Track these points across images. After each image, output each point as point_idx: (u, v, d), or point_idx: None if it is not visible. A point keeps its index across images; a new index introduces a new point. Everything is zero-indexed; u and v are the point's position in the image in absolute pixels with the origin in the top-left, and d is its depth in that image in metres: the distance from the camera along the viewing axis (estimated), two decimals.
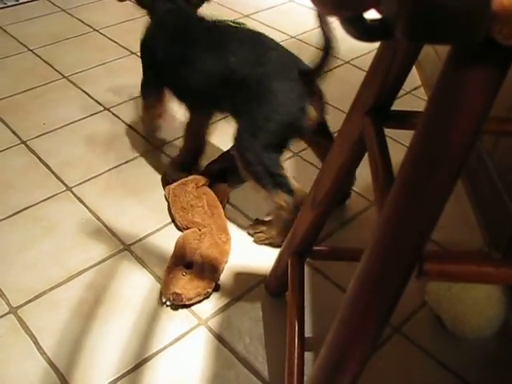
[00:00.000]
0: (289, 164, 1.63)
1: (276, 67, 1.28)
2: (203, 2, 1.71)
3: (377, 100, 0.81)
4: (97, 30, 2.34)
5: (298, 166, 1.63)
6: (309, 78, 1.24)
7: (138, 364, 1.13)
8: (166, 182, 1.52)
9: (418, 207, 0.57)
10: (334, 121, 1.80)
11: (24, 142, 1.71)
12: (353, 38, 0.47)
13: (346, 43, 2.07)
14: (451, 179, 0.53)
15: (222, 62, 1.30)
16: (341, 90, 1.97)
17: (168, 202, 1.47)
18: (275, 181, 1.26)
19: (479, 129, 0.50)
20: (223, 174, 1.54)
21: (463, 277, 0.61)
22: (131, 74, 2.05)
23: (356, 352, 0.66)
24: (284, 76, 1.26)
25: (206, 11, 1.61)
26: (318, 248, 1.12)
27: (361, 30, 0.46)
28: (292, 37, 2.33)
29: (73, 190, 1.54)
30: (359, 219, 1.47)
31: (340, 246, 1.35)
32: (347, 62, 2.16)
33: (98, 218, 1.45)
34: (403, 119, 0.84)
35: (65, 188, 1.55)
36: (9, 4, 2.56)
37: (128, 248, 1.37)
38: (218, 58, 1.32)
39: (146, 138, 1.73)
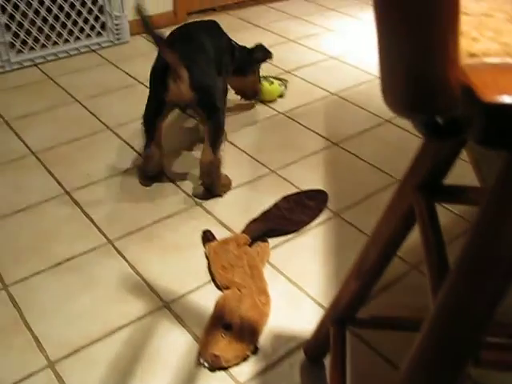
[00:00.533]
0: (329, 224, 1.63)
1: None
2: (264, 60, 2.06)
3: (429, 175, 0.80)
4: (141, 83, 2.40)
5: (340, 227, 1.62)
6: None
7: None
8: (206, 239, 1.53)
9: (478, 296, 0.56)
10: (373, 180, 1.80)
11: (68, 193, 1.74)
12: (422, 135, 0.47)
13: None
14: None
15: None
16: (380, 150, 1.97)
17: (208, 260, 1.47)
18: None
19: None
20: (264, 233, 1.54)
21: None
22: (173, 127, 2.08)
23: None
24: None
25: None
26: (360, 317, 1.10)
27: (432, 131, 0.46)
28: (332, 93, 2.35)
29: (114, 243, 1.56)
30: (400, 284, 1.45)
31: (381, 312, 1.33)
32: (387, 121, 2.16)
33: (138, 273, 1.46)
34: (455, 193, 0.84)
35: (106, 241, 1.56)
36: (60, 56, 2.64)
37: (167, 305, 1.37)
38: None
39: (187, 193, 1.74)
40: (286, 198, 1.71)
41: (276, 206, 1.68)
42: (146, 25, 1.48)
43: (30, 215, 1.66)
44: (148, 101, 1.68)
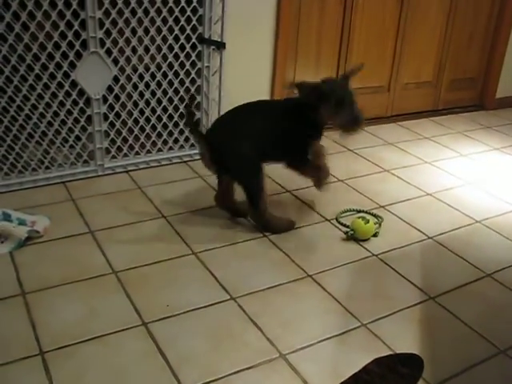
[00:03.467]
0: None
1: None
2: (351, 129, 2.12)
3: None
4: None
5: None
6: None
7: None
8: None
9: None
10: (475, 349, 1.62)
11: (145, 324, 1.65)
12: None
13: (487, 251, 1.90)
14: None
15: None
16: (481, 310, 1.81)
17: None
18: None
19: None
20: None
21: None
22: (260, 260, 1.99)
23: None
24: None
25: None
26: None
27: None
28: (428, 236, 2.22)
29: None
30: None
31: None
32: (489, 276, 2.00)
33: None
34: None
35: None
36: (151, 165, 2.64)
37: None
38: None
39: (272, 343, 1.61)
40: (377, 362, 1.55)
41: (366, 369, 1.52)
42: (188, 121, 2.09)
43: (102, 346, 1.56)
44: None
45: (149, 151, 2.63)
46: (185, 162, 2.72)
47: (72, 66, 2.30)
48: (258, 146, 2.04)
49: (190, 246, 2.04)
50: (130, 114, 2.52)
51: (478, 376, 1.55)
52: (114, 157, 2.55)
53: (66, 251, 1.97)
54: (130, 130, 2.55)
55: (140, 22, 2.38)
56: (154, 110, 2.56)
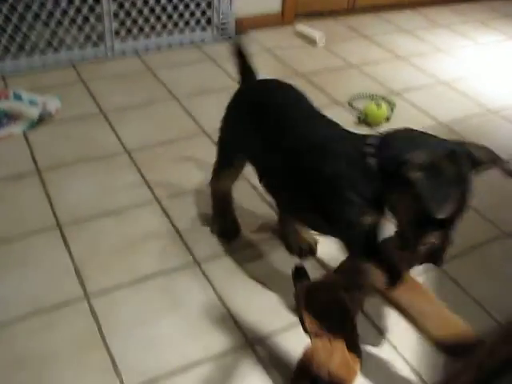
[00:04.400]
0: (428, 276, 1.50)
1: None
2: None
3: None
4: None
5: (441, 281, 1.50)
6: None
7: None
8: (298, 277, 1.43)
9: None
10: (477, 230, 1.64)
11: (158, 201, 1.68)
12: None
13: (499, 141, 1.87)
14: None
15: None
16: (484, 196, 1.82)
17: (298, 300, 1.38)
18: None
19: None
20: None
21: None
22: None
23: None
24: None
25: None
26: None
27: None
28: (441, 124, 2.20)
29: (201, 265, 1.49)
30: None
31: None
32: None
33: (224, 304, 1.38)
34: None
35: (193, 260, 1.50)
36: (162, 48, 2.60)
37: (251, 345, 1.29)
38: None
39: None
40: None
41: None
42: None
43: (118, 220, 1.61)
44: None
45: (159, 34, 2.58)
46: (196, 45, 2.67)
47: None
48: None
49: (201, 127, 2.04)
50: None
51: (479, 256, 1.60)
52: (123, 39, 2.50)
53: (78, 131, 1.98)
54: (140, 12, 2.49)
55: None
56: None
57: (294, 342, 1.29)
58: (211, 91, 2.28)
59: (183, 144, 1.95)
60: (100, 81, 2.31)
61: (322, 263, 1.52)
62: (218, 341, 1.29)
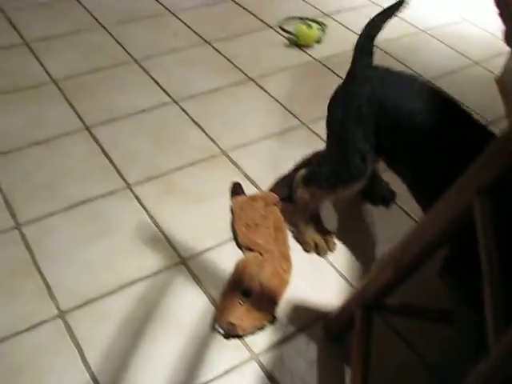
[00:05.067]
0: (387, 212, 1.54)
1: None
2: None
3: (495, 182, 0.72)
4: (173, 13, 2.26)
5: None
6: None
7: None
8: (234, 193, 1.45)
9: None
10: None
11: (88, 129, 1.66)
12: None
13: (429, 59, 1.89)
14: None
15: None
16: None
17: (233, 215, 1.40)
18: None
19: None
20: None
21: None
22: (203, 65, 1.97)
23: None
24: None
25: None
26: (389, 303, 1.04)
27: None
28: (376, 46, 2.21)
29: (133, 188, 1.49)
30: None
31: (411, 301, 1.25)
32: (429, 80, 2.04)
33: (156, 224, 1.39)
34: None
35: (125, 185, 1.49)
36: None
37: (184, 262, 1.31)
38: None
39: (214, 141, 1.65)
40: (316, 155, 1.62)
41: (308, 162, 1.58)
42: None
43: (47, 150, 1.58)
44: None
45: None
46: None
47: None
48: None
49: (130, 54, 2.00)
50: None
51: None
52: None
53: (1, 63, 1.91)
54: None
55: None
56: None
57: (228, 257, 1.32)
58: (140, 18, 2.22)
59: (112, 72, 1.91)
60: (21, 10, 2.21)
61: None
62: (151, 260, 1.31)
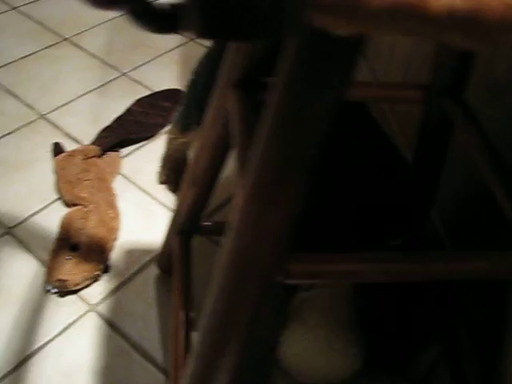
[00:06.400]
0: None
1: None
2: None
3: (245, 71, 0.73)
4: None
5: None
6: None
7: (23, 361, 1.05)
8: (55, 153, 1.41)
9: (273, 209, 0.50)
10: None
11: None
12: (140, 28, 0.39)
13: None
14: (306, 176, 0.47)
15: None
16: None
17: (56, 176, 1.36)
18: None
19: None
20: (117, 144, 1.44)
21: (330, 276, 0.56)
22: (11, 33, 1.88)
23: (224, 363, 0.60)
24: None
25: None
26: (204, 224, 1.05)
27: (146, 22, 0.37)
28: None
29: None
30: None
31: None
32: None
33: None
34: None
35: None
36: None
37: (9, 231, 1.26)
38: None
39: (31, 107, 1.58)
40: (139, 101, 1.59)
41: (129, 111, 1.56)
42: None
43: None
44: None
45: None
46: None
47: None
48: None
49: None
50: None
51: None
52: None
53: None
54: None
55: None
56: None
57: (56, 218, 1.28)
58: None
59: None
60: None
61: None
62: None
